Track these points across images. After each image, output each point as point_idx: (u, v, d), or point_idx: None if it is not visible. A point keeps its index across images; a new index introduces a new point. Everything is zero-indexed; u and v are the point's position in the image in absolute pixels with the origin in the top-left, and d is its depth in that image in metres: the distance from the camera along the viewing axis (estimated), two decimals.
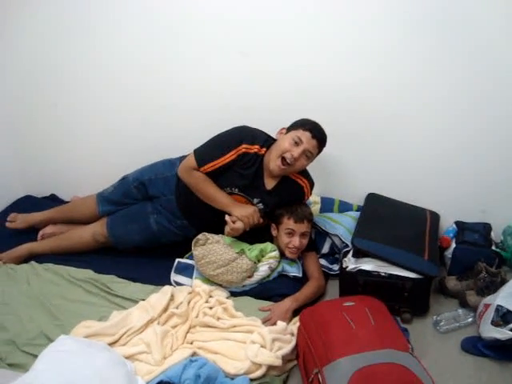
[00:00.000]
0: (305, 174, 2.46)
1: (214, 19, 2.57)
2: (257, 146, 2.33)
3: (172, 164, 2.55)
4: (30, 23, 2.75)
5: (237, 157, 2.31)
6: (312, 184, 2.49)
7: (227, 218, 2.31)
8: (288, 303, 2.23)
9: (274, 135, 2.41)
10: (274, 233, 2.46)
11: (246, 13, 2.54)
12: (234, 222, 2.30)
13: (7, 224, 2.73)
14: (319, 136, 2.29)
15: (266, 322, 2.14)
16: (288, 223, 2.38)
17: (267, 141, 2.36)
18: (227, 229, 2.32)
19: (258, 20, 2.54)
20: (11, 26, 2.76)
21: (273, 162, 2.29)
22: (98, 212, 2.65)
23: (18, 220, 2.74)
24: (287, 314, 2.19)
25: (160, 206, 2.52)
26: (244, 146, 2.31)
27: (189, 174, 2.38)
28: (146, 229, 2.51)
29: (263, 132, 2.40)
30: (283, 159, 2.26)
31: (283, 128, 2.36)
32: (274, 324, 2.10)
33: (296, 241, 2.38)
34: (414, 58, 2.47)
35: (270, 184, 2.40)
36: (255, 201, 2.40)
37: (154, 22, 2.64)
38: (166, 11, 2.60)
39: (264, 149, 2.34)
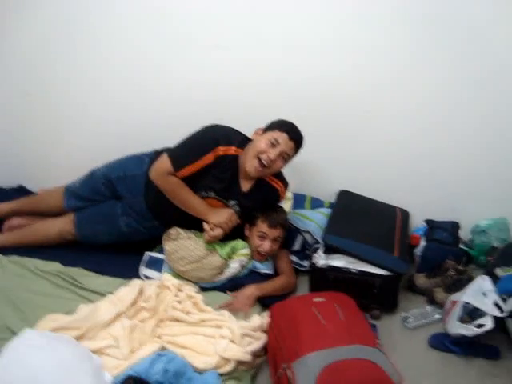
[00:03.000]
0: (279, 176, 2.42)
1: (191, 13, 2.55)
2: (233, 147, 2.27)
3: (141, 161, 2.46)
4: (25, 20, 2.69)
5: (214, 159, 2.24)
6: (286, 186, 2.46)
7: (205, 226, 2.29)
8: (252, 289, 2.23)
9: (248, 132, 2.35)
10: (246, 232, 2.44)
11: (222, 6, 2.52)
12: (212, 230, 2.28)
13: None
14: (296, 138, 2.25)
15: (227, 306, 2.15)
16: (261, 226, 2.35)
17: (243, 141, 2.30)
18: (206, 236, 2.30)
19: (234, 13, 2.53)
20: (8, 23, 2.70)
21: (249, 162, 2.23)
22: (64, 206, 2.58)
23: None
24: (250, 299, 2.20)
25: (129, 207, 2.44)
26: (221, 148, 2.23)
27: (163, 180, 2.27)
28: (115, 230, 2.46)
29: (237, 131, 2.34)
30: (260, 160, 2.20)
31: (259, 128, 2.30)
32: (235, 309, 2.13)
33: (266, 245, 2.35)
34: (390, 57, 2.50)
35: (245, 186, 2.36)
36: (231, 203, 2.36)
37: (140, 17, 2.61)
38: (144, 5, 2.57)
39: (240, 150, 2.28)
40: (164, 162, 2.25)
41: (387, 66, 2.51)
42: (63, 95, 2.87)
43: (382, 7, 2.40)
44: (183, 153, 2.27)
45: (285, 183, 2.44)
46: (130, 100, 2.81)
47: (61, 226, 2.50)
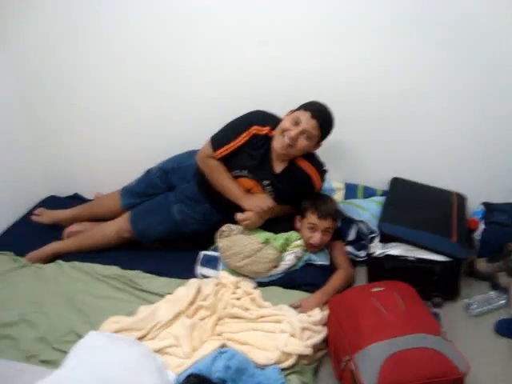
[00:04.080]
0: (314, 161, 2.41)
1: (228, 8, 2.55)
2: (267, 128, 2.34)
3: (194, 153, 2.55)
4: (49, 22, 2.76)
5: (249, 139, 2.34)
6: (322, 171, 2.43)
7: (237, 216, 2.33)
8: (317, 297, 2.19)
9: None
10: (297, 225, 2.43)
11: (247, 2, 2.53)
12: (243, 219, 2.32)
13: (33, 217, 2.77)
14: (320, 116, 2.26)
15: (297, 307, 2.14)
16: (311, 218, 2.34)
17: (278, 124, 2.34)
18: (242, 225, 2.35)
19: (270, 8, 2.52)
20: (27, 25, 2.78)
21: (275, 140, 2.29)
22: (121, 205, 2.68)
23: (44, 215, 2.79)
24: (319, 306, 2.16)
25: (181, 193, 2.54)
26: (255, 127, 2.33)
27: (204, 163, 2.42)
28: (168, 219, 2.51)
29: (275, 116, 2.39)
30: (283, 138, 2.26)
31: (290, 110, 2.34)
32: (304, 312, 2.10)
33: (317, 237, 2.33)
34: (426, 37, 2.44)
35: (278, 167, 2.38)
36: (264, 183, 2.38)
37: (165, 15, 2.62)
38: (177, 3, 2.59)
39: (274, 131, 2.33)
40: (205, 146, 2.42)
41: (426, 46, 2.45)
42: (113, 105, 2.94)
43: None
44: (221, 134, 2.40)
45: (319, 168, 2.42)
46: (176, 100, 2.84)
47: (117, 225, 2.57)
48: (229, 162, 2.39)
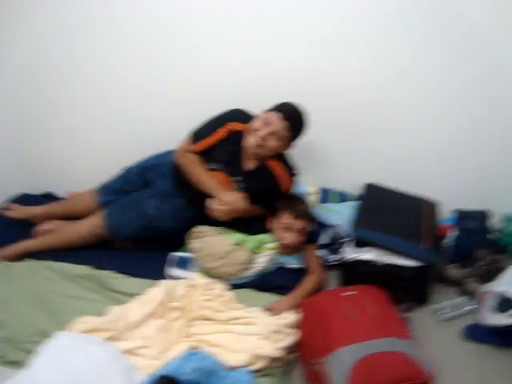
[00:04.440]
0: (284, 161, 2.43)
1: (208, 12, 2.54)
2: (241, 124, 2.38)
3: (172, 153, 2.57)
4: (30, 22, 2.71)
5: (226, 135, 2.37)
6: (291, 174, 2.44)
7: (210, 203, 2.33)
8: (288, 301, 2.19)
9: None
10: (269, 226, 2.43)
11: (237, 3, 2.52)
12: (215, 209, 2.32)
13: (6, 212, 2.73)
14: (291, 117, 2.29)
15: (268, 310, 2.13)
16: (286, 218, 2.35)
17: (251, 120, 2.38)
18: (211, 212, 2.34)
19: (250, 10, 2.51)
20: (11, 24, 2.73)
21: (247, 139, 2.33)
22: (97, 201, 2.66)
23: (17, 210, 2.75)
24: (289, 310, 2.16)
25: (157, 188, 2.55)
26: (231, 123, 2.38)
27: (183, 156, 2.45)
28: (142, 214, 2.50)
29: (251, 113, 2.42)
30: (254, 138, 2.29)
31: (265, 110, 2.36)
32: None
33: (291, 237, 2.34)
34: (410, 45, 2.47)
35: (249, 165, 2.40)
36: (235, 178, 2.40)
37: (148, 18, 2.60)
38: (160, 6, 2.57)
39: (247, 126, 2.36)
40: (184, 141, 2.47)
41: (408, 54, 2.48)
42: (90, 102, 2.90)
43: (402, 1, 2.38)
44: (200, 129, 2.44)
45: (289, 170, 2.43)
46: (155, 98, 2.82)
47: (91, 222, 2.55)
48: (205, 156, 2.43)
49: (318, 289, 2.34)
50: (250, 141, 2.30)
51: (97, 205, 2.66)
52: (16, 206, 2.78)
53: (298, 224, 2.35)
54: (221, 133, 2.38)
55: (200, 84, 2.71)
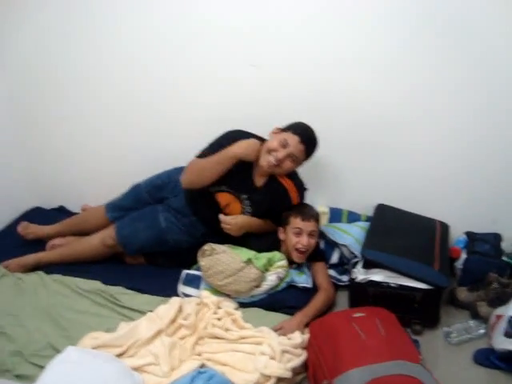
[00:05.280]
0: (293, 177, 2.47)
1: (223, 31, 2.58)
2: None
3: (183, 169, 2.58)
4: (36, 26, 2.76)
5: None
6: (300, 188, 2.48)
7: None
8: (298, 319, 2.18)
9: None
10: (281, 236, 2.45)
11: (253, 22, 2.55)
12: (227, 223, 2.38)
13: (19, 229, 2.75)
14: (307, 141, 2.33)
15: (277, 330, 2.13)
16: (295, 222, 2.38)
17: (259, 140, 2.39)
18: (224, 225, 2.38)
19: (264, 29, 2.55)
20: (18, 37, 2.78)
21: (263, 157, 2.33)
22: (108, 218, 2.67)
23: (29, 230, 2.76)
24: (299, 328, 2.15)
25: (169, 206, 2.57)
26: None
27: (185, 170, 2.44)
28: (154, 225, 2.53)
29: (255, 135, 2.43)
30: (271, 157, 2.30)
31: (277, 127, 2.39)
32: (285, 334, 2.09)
33: (304, 240, 2.37)
34: (418, 64, 2.47)
35: (259, 182, 2.44)
36: (243, 197, 2.43)
37: (163, 35, 2.65)
38: (174, 23, 2.61)
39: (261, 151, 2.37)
40: (190, 162, 2.44)
41: (417, 73, 2.49)
42: (103, 118, 2.95)
43: (409, 20, 2.40)
44: (204, 151, 2.43)
45: (297, 185, 2.47)
46: (167, 115, 2.86)
47: (102, 233, 2.57)
48: None
49: (328, 307, 2.35)
50: (266, 161, 2.32)
51: (108, 221, 2.68)
52: (27, 224, 2.79)
53: (308, 226, 2.37)
54: None
55: (211, 102, 2.74)
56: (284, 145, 2.29)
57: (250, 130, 2.45)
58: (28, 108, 2.98)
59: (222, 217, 2.39)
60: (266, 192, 2.43)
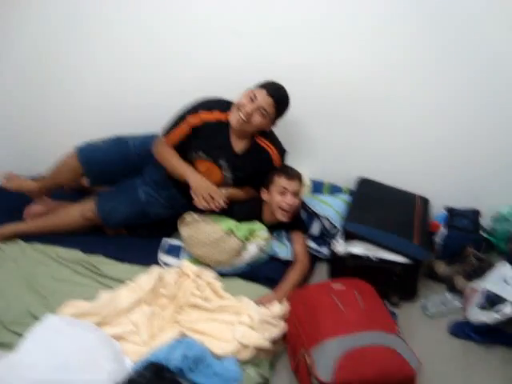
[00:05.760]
0: (273, 140, 2.48)
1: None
2: (216, 112, 2.40)
3: None
4: (27, 18, 2.73)
5: (199, 124, 2.38)
6: (281, 151, 2.49)
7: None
8: (275, 295, 2.19)
9: None
10: (264, 197, 2.45)
11: None
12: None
13: (2, 182, 2.69)
14: (276, 94, 2.33)
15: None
16: (280, 181, 2.38)
17: (227, 105, 2.40)
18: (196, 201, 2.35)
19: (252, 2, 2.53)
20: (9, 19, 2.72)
21: (232, 116, 2.35)
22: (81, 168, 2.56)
23: (13, 180, 2.68)
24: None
25: (149, 177, 2.55)
26: (203, 114, 2.39)
27: (157, 150, 2.48)
28: (134, 199, 2.51)
29: (221, 99, 2.44)
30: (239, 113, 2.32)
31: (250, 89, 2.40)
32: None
33: (289, 198, 2.37)
34: (406, 40, 2.49)
35: (238, 146, 2.44)
36: (221, 163, 2.42)
37: (148, 2, 2.61)
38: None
39: (224, 113, 2.39)
40: (158, 138, 2.50)
41: (401, 48, 2.50)
42: (87, 89, 2.92)
43: None
44: (169, 123, 2.46)
45: (278, 148, 2.48)
46: (146, 86, 2.85)
47: (82, 207, 2.54)
48: (185, 149, 2.45)
49: (304, 278, 2.36)
50: (235, 117, 2.33)
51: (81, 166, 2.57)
52: (11, 174, 2.71)
53: (293, 185, 2.38)
54: (191, 122, 2.39)
55: (199, 69, 2.73)
56: (252, 99, 2.30)
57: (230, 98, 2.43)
58: (13, 73, 2.92)
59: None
60: (247, 156, 2.44)
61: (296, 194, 2.40)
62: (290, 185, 2.38)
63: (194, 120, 2.38)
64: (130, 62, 2.80)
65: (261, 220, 2.47)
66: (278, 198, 2.39)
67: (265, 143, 2.44)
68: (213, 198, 2.32)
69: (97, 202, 2.52)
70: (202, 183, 2.36)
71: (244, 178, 2.47)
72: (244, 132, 2.39)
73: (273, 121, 2.40)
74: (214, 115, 2.40)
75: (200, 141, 2.41)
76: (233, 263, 2.31)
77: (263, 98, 2.30)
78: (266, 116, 2.33)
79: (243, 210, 2.45)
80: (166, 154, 2.45)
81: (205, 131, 2.39)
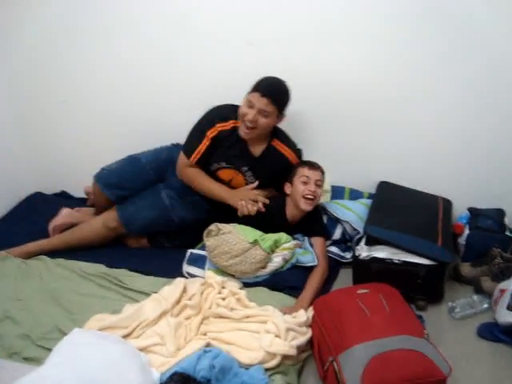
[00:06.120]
0: (287, 142, 2.53)
1: (219, 10, 2.57)
2: (231, 122, 2.44)
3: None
4: (41, 19, 2.76)
5: (217, 135, 2.42)
6: (297, 151, 2.55)
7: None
8: (299, 305, 2.17)
9: None
10: (288, 191, 2.50)
11: (247, 2, 2.55)
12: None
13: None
14: (269, 93, 2.31)
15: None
16: (303, 171, 2.44)
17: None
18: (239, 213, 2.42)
19: (259, 9, 2.55)
20: (22, 21, 2.76)
21: (240, 129, 2.39)
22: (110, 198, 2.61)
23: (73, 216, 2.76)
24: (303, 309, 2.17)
25: (170, 185, 2.59)
26: (219, 125, 2.42)
27: (184, 174, 2.52)
28: (157, 203, 2.53)
29: (233, 105, 2.45)
30: (244, 123, 2.35)
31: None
32: None
33: (312, 186, 2.42)
34: (421, 41, 2.46)
35: (256, 151, 2.49)
36: (244, 169, 2.48)
37: (158, 15, 2.64)
38: (171, 4, 2.61)
39: (239, 121, 2.41)
40: (180, 158, 2.53)
41: (418, 51, 2.48)
42: (103, 102, 2.95)
43: None
44: (189, 140, 2.50)
45: (293, 149, 2.54)
46: (159, 100, 2.87)
47: (104, 216, 2.57)
48: (206, 160, 2.47)
49: (323, 282, 2.37)
50: (242, 129, 2.37)
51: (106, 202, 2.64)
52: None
53: (315, 175, 2.44)
54: (211, 134, 2.42)
55: (205, 78, 2.75)
56: (250, 105, 2.32)
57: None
58: (28, 92, 2.96)
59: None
60: (265, 160, 2.48)
61: (318, 184, 2.45)
62: (313, 174, 2.44)
63: (212, 134, 2.42)
64: (141, 75, 2.84)
65: (284, 217, 2.49)
66: (302, 187, 2.43)
67: (281, 147, 2.50)
68: (255, 201, 2.40)
69: (118, 207, 2.54)
70: (239, 195, 2.43)
71: (266, 180, 2.53)
72: (258, 137, 2.42)
73: (278, 115, 2.40)
74: (230, 124, 2.43)
75: (220, 151, 2.45)
76: (258, 274, 2.32)
77: (259, 101, 2.30)
78: (269, 115, 2.34)
79: (267, 208, 2.45)
80: (195, 178, 2.50)
81: (223, 141, 2.43)
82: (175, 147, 2.67)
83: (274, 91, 2.34)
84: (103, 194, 2.60)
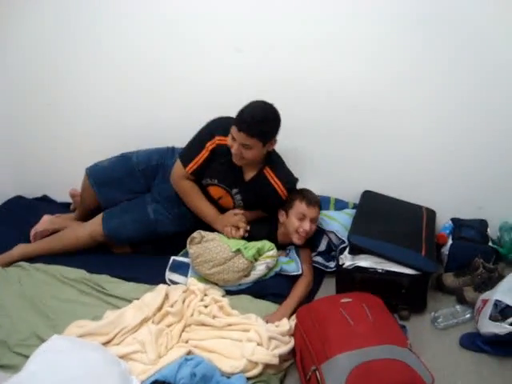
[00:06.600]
0: (280, 175, 2.44)
1: (209, 16, 2.57)
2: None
3: (175, 153, 2.60)
4: (28, 21, 2.74)
5: (215, 148, 2.37)
6: (288, 185, 2.45)
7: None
8: (281, 313, 2.17)
9: None
10: (281, 219, 2.46)
11: (240, 9, 2.54)
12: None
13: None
14: (246, 127, 2.19)
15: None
16: (300, 207, 2.39)
17: None
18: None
19: (253, 15, 2.54)
20: (9, 24, 2.74)
21: (233, 156, 2.33)
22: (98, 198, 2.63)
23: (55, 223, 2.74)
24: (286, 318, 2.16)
25: (159, 194, 2.55)
26: (218, 138, 2.36)
27: (178, 184, 2.48)
28: (142, 217, 2.51)
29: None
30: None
31: None
32: None
33: (307, 225, 2.38)
34: (408, 53, 2.47)
35: (248, 175, 2.44)
36: (234, 191, 2.45)
37: (149, 20, 2.64)
38: (161, 9, 2.60)
39: None
40: (176, 166, 2.46)
41: (406, 62, 2.49)
42: (87, 106, 2.93)
43: (402, 7, 2.38)
44: (187, 150, 2.46)
45: (286, 183, 2.44)
46: (148, 106, 2.86)
47: (92, 227, 2.53)
48: (201, 172, 2.43)
49: (308, 292, 2.36)
50: (234, 158, 2.33)
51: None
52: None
53: (312, 212, 2.39)
54: (210, 146, 2.38)
55: (199, 84, 2.74)
56: (233, 138, 2.26)
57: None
58: (10, 95, 2.93)
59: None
60: (253, 186, 2.43)
61: (314, 220, 2.42)
62: (310, 212, 2.39)
63: (211, 146, 2.38)
64: (136, 81, 2.83)
65: (275, 240, 2.46)
66: (296, 223, 2.39)
67: (272, 177, 2.43)
68: (238, 227, 2.40)
69: (104, 221, 2.51)
70: (224, 221, 2.42)
71: (252, 206, 2.50)
72: (250, 162, 2.37)
73: (264, 145, 2.29)
74: (228, 139, 2.33)
75: (214, 165, 2.41)
76: (240, 282, 2.31)
77: (238, 136, 2.22)
78: (251, 147, 2.25)
79: (259, 230, 2.45)
80: (188, 194, 2.47)
81: (219, 155, 2.38)
82: (169, 151, 2.66)
83: (251, 125, 2.20)
84: (92, 189, 2.61)
